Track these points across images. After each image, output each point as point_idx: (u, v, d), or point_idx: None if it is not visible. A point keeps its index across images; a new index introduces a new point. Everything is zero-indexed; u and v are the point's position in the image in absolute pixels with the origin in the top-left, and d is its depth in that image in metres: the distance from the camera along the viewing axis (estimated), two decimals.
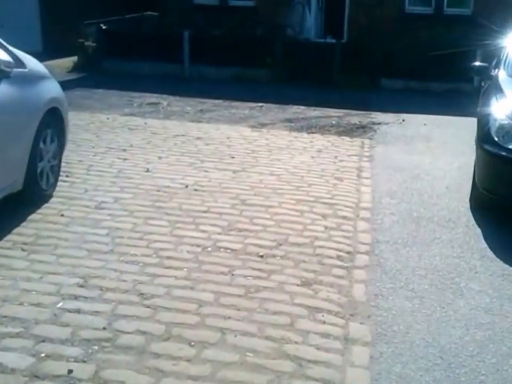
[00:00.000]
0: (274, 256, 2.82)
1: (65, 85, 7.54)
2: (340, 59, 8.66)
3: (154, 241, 2.93)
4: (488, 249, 3.05)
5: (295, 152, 4.87)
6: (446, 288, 2.63)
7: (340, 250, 2.93)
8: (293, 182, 4.01)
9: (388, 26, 9.28)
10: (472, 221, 3.43)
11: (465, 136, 5.30)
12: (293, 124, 6.03)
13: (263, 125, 5.92)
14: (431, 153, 5.08)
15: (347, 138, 5.48)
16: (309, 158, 4.71)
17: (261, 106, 6.90)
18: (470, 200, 3.69)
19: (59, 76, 8.43)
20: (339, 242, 3.03)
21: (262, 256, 2.80)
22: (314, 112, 6.71)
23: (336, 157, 4.77)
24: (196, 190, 3.74)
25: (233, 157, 4.60)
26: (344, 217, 3.39)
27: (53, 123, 3.41)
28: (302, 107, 6.90)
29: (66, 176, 3.87)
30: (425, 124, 6.25)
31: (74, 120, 5.72)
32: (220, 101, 7.07)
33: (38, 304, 2.29)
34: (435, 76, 8.27)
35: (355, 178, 4.22)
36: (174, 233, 3.04)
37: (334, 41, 9.19)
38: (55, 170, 3.57)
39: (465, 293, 2.59)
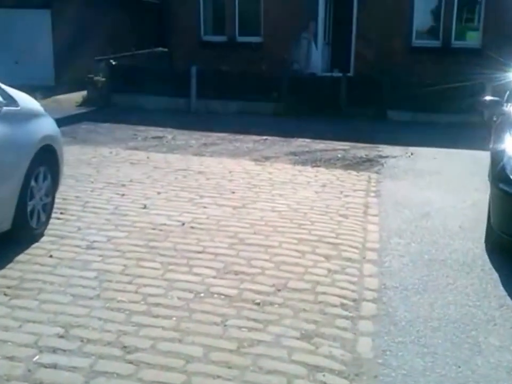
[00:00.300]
0: (271, 303, 2.60)
1: (72, 119, 7.75)
2: (346, 92, 8.63)
3: (144, 286, 2.74)
4: (508, 297, 2.78)
5: (298, 187, 4.71)
6: (462, 343, 2.37)
7: (344, 298, 2.70)
8: (295, 219, 3.82)
9: (395, 60, 9.29)
10: (489, 265, 3.18)
11: (477, 170, 5.10)
12: (297, 157, 5.89)
13: (266, 158, 5.79)
14: (441, 188, 4.86)
15: (353, 172, 5.31)
16: (313, 193, 4.54)
17: (265, 139, 6.82)
18: (486, 242, 3.45)
19: (68, 110, 8.66)
20: (343, 288, 2.80)
21: (258, 304, 2.59)
22: (319, 145, 6.58)
23: (341, 192, 4.59)
24: (192, 227, 3.58)
25: (233, 192, 4.45)
26: (349, 259, 3.17)
27: (46, 161, 3.33)
28: (307, 140, 6.79)
29: (61, 213, 3.74)
30: (435, 158, 6.07)
31: (77, 154, 5.68)
32: (225, 134, 7.01)
33: (12, 358, 2.12)
34: (443, 108, 8.16)
35: (361, 215, 4.01)
36: (165, 277, 2.86)
37: (340, 74, 9.20)
38: (48, 208, 3.46)
39: (484, 349, 2.33)
